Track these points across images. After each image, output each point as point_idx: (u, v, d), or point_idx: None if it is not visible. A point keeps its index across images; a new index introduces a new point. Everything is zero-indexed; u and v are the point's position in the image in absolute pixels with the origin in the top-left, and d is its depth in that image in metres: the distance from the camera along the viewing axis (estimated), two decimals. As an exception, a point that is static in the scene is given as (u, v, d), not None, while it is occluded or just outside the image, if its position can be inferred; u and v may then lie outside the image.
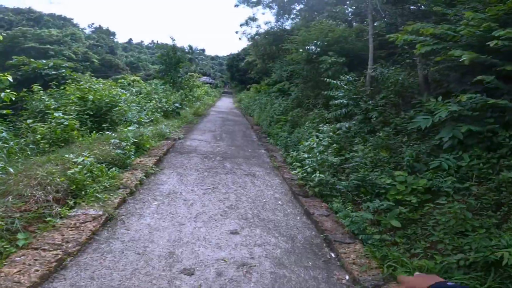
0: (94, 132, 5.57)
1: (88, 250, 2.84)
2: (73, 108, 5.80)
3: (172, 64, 16.31)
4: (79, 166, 3.72)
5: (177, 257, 2.90)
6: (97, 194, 3.63)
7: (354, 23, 13.04)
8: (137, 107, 8.47)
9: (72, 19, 75.62)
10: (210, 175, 5.28)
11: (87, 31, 71.89)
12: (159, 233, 3.31)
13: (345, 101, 7.32)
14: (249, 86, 27.32)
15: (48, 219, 2.99)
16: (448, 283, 0.73)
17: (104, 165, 4.17)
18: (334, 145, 5.43)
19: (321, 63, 9.63)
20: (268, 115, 11.88)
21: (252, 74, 26.51)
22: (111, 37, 73.23)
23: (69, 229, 3.00)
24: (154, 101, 10.47)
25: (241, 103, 23.34)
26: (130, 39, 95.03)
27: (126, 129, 5.10)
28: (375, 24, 9.54)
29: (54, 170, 3.59)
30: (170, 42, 17.06)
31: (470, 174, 3.89)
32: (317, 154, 4.98)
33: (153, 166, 5.07)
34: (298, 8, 20.86)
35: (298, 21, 20.00)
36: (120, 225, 3.37)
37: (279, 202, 4.60)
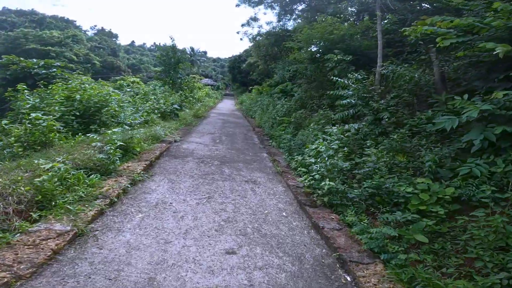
0: (80, 134, 5.05)
1: (46, 273, 2.32)
2: (57, 108, 5.28)
3: (172, 65, 15.84)
4: (50, 173, 3.19)
5: (158, 285, 2.37)
6: (69, 206, 3.10)
7: (356, 23, 12.54)
8: (131, 108, 7.96)
9: (75, 21, 75.85)
10: (206, 182, 4.73)
11: (90, 33, 72.07)
12: (139, 253, 2.78)
13: (353, 101, 6.79)
14: (250, 87, 26.90)
15: (0, 235, 2.47)
16: None
17: (82, 172, 3.65)
18: (345, 148, 4.87)
19: (326, 61, 9.12)
20: (270, 116, 11.36)
21: (254, 75, 26.15)
22: (114, 39, 73.30)
23: (26, 247, 2.50)
24: (150, 102, 9.96)
25: (242, 105, 22.91)
26: (133, 41, 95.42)
27: (109, 131, 4.55)
28: (385, 20, 8.99)
29: (19, 178, 3.07)
30: (170, 43, 16.58)
31: (504, 181, 3.37)
32: (326, 158, 4.42)
33: (142, 172, 4.52)
34: (300, 8, 20.45)
35: (300, 21, 19.60)
36: (92, 242, 2.84)
37: (283, 214, 4.05)
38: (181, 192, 4.21)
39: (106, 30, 76.92)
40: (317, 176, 4.33)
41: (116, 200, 3.59)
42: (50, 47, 40.65)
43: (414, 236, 3.17)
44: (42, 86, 6.59)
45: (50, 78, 8.14)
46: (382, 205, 4.11)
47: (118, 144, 4.36)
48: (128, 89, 10.44)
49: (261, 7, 21.26)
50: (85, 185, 3.51)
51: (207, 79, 47.78)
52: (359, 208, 4.19)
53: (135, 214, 3.48)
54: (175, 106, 11.37)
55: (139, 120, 7.49)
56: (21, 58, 9.08)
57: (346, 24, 10.55)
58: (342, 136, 5.18)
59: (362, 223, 3.75)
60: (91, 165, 3.89)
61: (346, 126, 6.26)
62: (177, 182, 4.56)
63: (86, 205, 3.26)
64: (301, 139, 7.14)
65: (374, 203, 4.22)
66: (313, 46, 10.74)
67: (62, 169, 3.31)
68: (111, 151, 4.06)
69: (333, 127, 5.93)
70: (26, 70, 8.70)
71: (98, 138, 4.38)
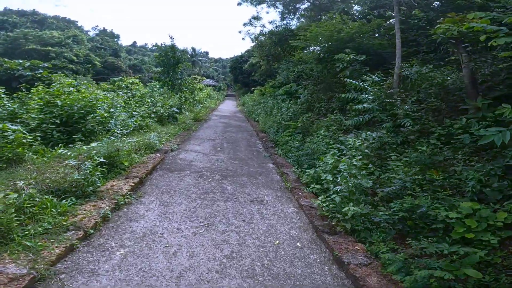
0: (60, 145, 4.35)
1: None
2: (33, 115, 4.60)
3: (171, 65, 15.15)
4: (7, 201, 2.52)
5: None
6: (28, 242, 2.43)
7: (364, 20, 11.86)
8: (124, 113, 7.27)
9: (77, 21, 75.55)
10: (205, 204, 4.02)
11: (91, 33, 71.61)
12: (116, 312, 2.11)
13: (368, 106, 6.10)
14: (253, 88, 26.26)
15: None
16: None
17: (53, 196, 2.98)
18: (370, 166, 4.18)
19: (336, 61, 8.43)
20: (275, 120, 10.68)
21: (256, 76, 25.54)
22: (115, 39, 72.72)
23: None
24: (146, 106, 9.25)
25: (244, 106, 22.26)
26: (134, 42, 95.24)
27: (85, 147, 3.84)
28: (402, 17, 8.29)
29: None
30: (169, 42, 15.85)
31: None
32: (348, 178, 3.72)
33: (128, 193, 3.81)
34: (303, 7, 19.86)
35: (304, 20, 19.02)
36: (56, 293, 2.18)
37: (298, 244, 3.36)
38: (175, 218, 3.51)
39: (108, 31, 76.50)
40: (337, 199, 3.63)
41: (92, 231, 2.91)
42: (50, 48, 40.10)
43: (464, 271, 2.58)
44: (24, 90, 5.92)
45: (35, 80, 7.49)
46: (415, 231, 3.46)
47: (98, 161, 3.65)
48: (121, 92, 9.73)
49: (264, 5, 20.77)
50: (54, 213, 2.84)
51: (208, 80, 47.14)
52: (387, 234, 3.52)
53: (116, 250, 2.80)
54: (174, 109, 10.69)
55: (133, 126, 6.80)
56: (5, 59, 8.40)
57: (352, 22, 9.86)
58: (367, 151, 4.47)
59: (398, 257, 3.05)
60: (65, 186, 3.21)
61: (364, 135, 5.57)
62: (171, 205, 3.85)
63: (52, 240, 2.59)
64: (310, 148, 6.44)
65: (405, 228, 3.55)
66: (320, 45, 10.04)
67: (23, 195, 2.63)
68: (88, 170, 3.36)
69: (350, 135, 5.23)
70: (10, 71, 8.01)
71: (72, 155, 3.64)
